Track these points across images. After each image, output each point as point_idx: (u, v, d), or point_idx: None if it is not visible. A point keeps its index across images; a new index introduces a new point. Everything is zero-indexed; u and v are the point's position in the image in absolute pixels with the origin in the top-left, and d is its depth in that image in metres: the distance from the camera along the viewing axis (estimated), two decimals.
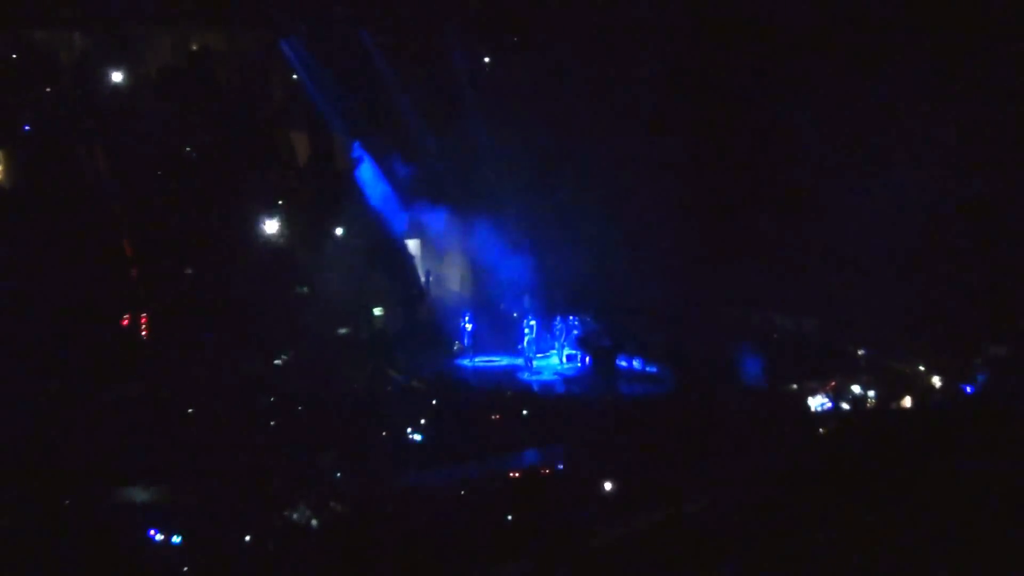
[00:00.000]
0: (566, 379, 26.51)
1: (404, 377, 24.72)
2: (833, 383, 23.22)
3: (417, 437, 19.98)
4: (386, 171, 31.30)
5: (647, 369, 26.11)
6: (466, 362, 28.01)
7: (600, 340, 27.60)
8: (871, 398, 22.81)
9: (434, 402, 21.76)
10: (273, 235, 27.82)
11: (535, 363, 27.66)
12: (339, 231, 29.02)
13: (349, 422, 19.92)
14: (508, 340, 28.63)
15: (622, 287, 28.90)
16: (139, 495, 16.03)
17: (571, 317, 28.49)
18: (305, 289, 27.75)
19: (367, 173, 31.07)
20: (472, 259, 32.91)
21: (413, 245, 33.31)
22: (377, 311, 30.27)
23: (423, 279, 33.05)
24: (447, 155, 31.61)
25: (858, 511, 13.10)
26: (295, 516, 16.05)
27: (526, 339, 27.83)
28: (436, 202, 31.55)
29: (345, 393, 22.23)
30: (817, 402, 22.69)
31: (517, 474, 17.98)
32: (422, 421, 20.37)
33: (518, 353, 27.99)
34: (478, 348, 28.38)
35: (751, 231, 27.33)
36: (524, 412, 21.24)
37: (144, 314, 24.49)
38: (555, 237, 30.23)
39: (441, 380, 24.59)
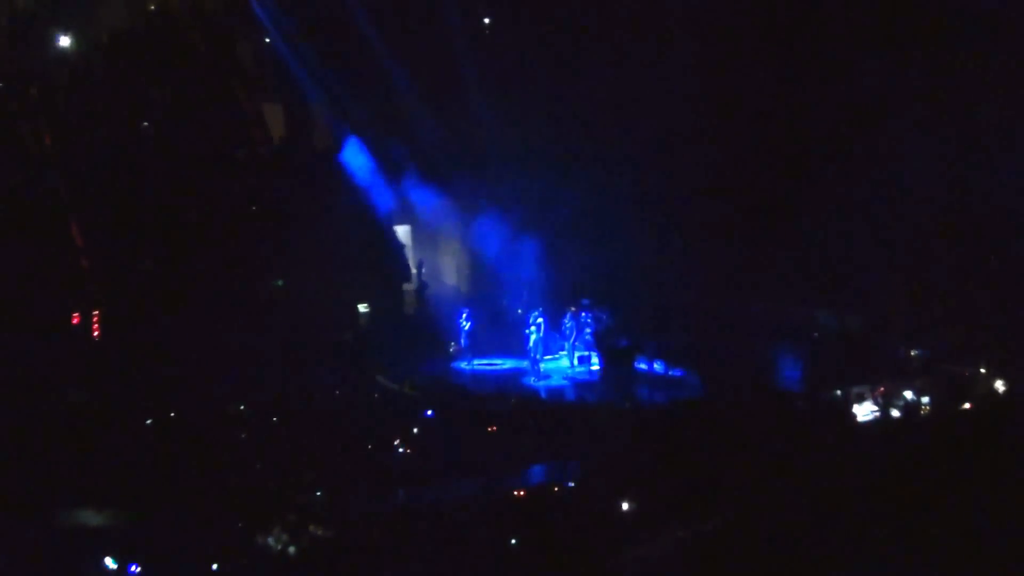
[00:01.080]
0: (578, 384, 26.61)
1: (393, 382, 24.80)
2: (882, 388, 23.02)
3: (408, 451, 19.84)
4: (372, 147, 31.46)
5: (670, 372, 26.22)
6: (464, 365, 28.21)
7: (616, 339, 27.66)
8: (925, 405, 22.68)
9: (427, 411, 21.66)
10: (243, 220, 27.95)
11: (542, 366, 27.75)
12: (318, 215, 29.04)
13: (330, 434, 19.79)
14: (511, 340, 28.78)
15: (642, 279, 28.99)
16: (90, 519, 15.89)
17: (583, 313, 28.57)
18: (280, 283, 27.89)
19: (351, 150, 31.23)
20: (470, 247, 33.31)
21: (403, 231, 33.56)
22: (362, 307, 30.59)
23: (414, 270, 33.28)
24: (442, 129, 31.69)
25: (911, 536, 12.95)
26: (269, 541, 15.95)
27: (532, 339, 27.89)
28: (430, 183, 31.75)
29: (325, 401, 22.31)
30: (864, 410, 22.52)
31: (522, 493, 17.88)
32: (413, 431, 20.27)
33: (523, 355, 28.09)
34: (477, 349, 28.54)
35: (789, 216, 27.25)
36: (530, 422, 21.14)
37: (96, 311, 24.53)
38: (565, 222, 30.43)
39: (435, 386, 24.69)
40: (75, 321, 24.33)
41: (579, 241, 30.01)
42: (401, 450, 19.79)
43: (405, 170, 31.79)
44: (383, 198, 31.80)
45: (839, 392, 23.18)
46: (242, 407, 21.23)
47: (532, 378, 26.89)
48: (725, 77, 27.72)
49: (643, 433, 20.23)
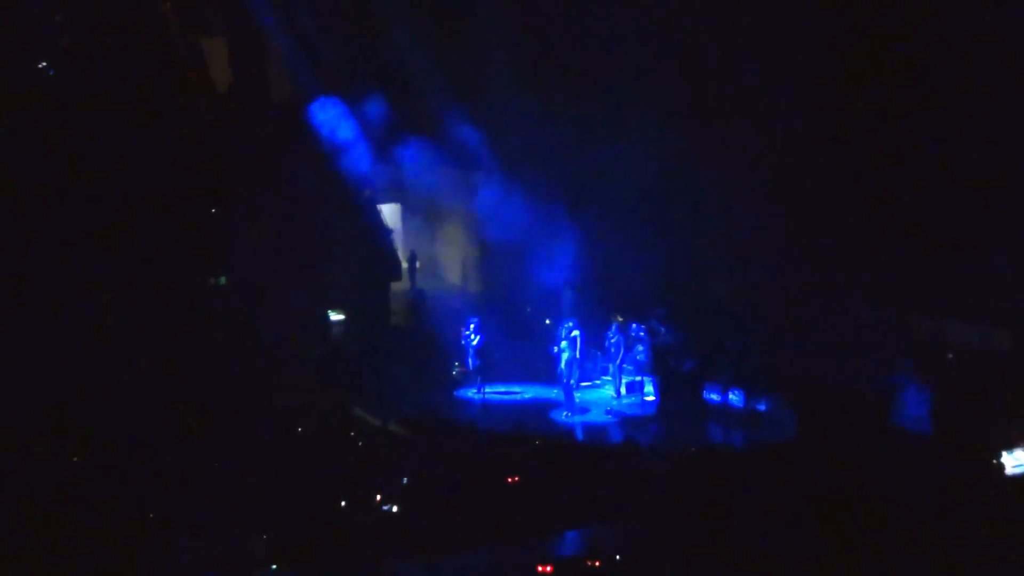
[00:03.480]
0: (626, 420, 26.50)
1: (375, 416, 24.78)
2: None
3: (394, 510, 19.74)
4: (351, 100, 31.69)
5: (751, 405, 26.05)
6: (471, 393, 28.21)
7: (679, 360, 27.62)
8: None
9: (421, 456, 21.56)
10: (176, 196, 27.89)
11: (578, 396, 27.65)
12: (276, 190, 29.31)
13: (289, 488, 19.67)
14: (535, 360, 28.78)
15: (715, 281, 29.50)
16: None
17: (634, 325, 28.49)
18: (221, 280, 28.16)
19: (322, 103, 31.43)
20: (482, 235, 33.60)
21: (391, 213, 33.80)
22: (335, 315, 30.83)
23: (405, 265, 33.40)
24: (446, 74, 31.81)
25: None
26: None
27: (563, 358, 27.57)
28: (427, 150, 31.98)
29: (282, 442, 22.23)
30: (1017, 459, 22.33)
31: (549, 568, 17.50)
32: (402, 483, 20.18)
33: (551, 381, 28.03)
34: (490, 372, 28.51)
35: (912, 205, 27.43)
36: (560, 471, 20.97)
37: None
38: (611, 204, 30.62)
39: (432, 422, 24.59)
40: None
41: (630, 230, 30.22)
42: (385, 509, 19.63)
43: (394, 132, 31.89)
44: (364, 168, 32.01)
45: (983, 433, 22.98)
46: (172, 449, 21.21)
47: (565, 412, 26.75)
48: (849, 52, 28.13)
49: (714, 488, 20.12)
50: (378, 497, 19.75)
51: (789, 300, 28.30)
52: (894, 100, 27.31)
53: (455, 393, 28.48)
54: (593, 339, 28.64)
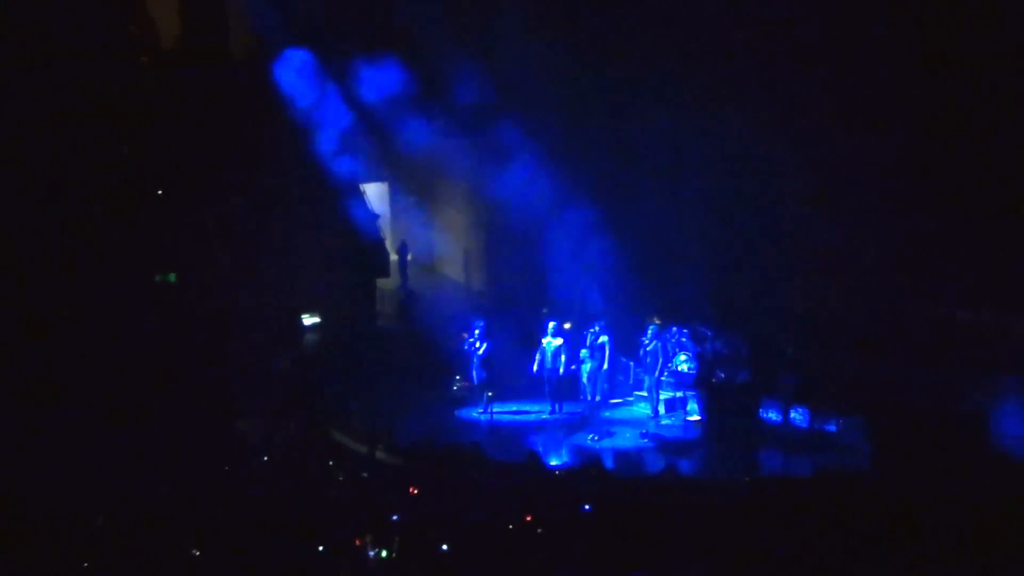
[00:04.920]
0: (665, 445, 26.45)
1: (358, 441, 24.92)
2: None
3: (382, 555, 19.70)
4: (328, 60, 31.92)
5: (819, 426, 26.14)
6: (476, 413, 28.34)
7: (731, 372, 27.63)
8: None
9: (414, 489, 21.51)
10: (112, 174, 28.14)
11: (606, 415, 27.81)
12: (234, 166, 29.46)
13: (253, 531, 19.60)
14: (553, 373, 28.68)
15: (774, 278, 29.26)
16: None
17: (675, 330, 28.58)
18: (171, 277, 28.24)
19: (293, 64, 31.67)
20: (487, 221, 34.19)
21: (377, 194, 33.99)
22: (309, 319, 31.09)
23: (394, 258, 33.49)
24: (442, 23, 31.73)
25: None
26: None
27: (586, 370, 27.76)
28: (420, 117, 32.00)
29: (246, 473, 22.33)
30: None
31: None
32: (391, 522, 20.08)
33: (573, 397, 28.15)
34: (498, 387, 28.61)
35: (1016, 187, 27.32)
36: (585, 508, 20.90)
37: None
38: (649, 184, 30.72)
39: (429, 448, 24.51)
40: None
41: (670, 212, 30.28)
42: (371, 555, 19.52)
43: (380, 94, 31.91)
44: (343, 140, 32.16)
45: None
46: (114, 476, 21.18)
47: (590, 436, 26.66)
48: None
49: (774, 528, 19.98)
50: (361, 540, 19.56)
51: (866, 301, 28.25)
52: (989, 86, 27.41)
53: (456, 413, 28.58)
54: (625, 347, 28.78)
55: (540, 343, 28.27)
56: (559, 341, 28.18)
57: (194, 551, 19.15)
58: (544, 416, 28.14)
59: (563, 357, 28.10)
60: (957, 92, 27.45)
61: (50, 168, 27.11)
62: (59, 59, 27.57)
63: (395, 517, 20.23)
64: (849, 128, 28.53)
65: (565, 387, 28.32)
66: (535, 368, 28.23)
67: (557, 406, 28.07)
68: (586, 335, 28.27)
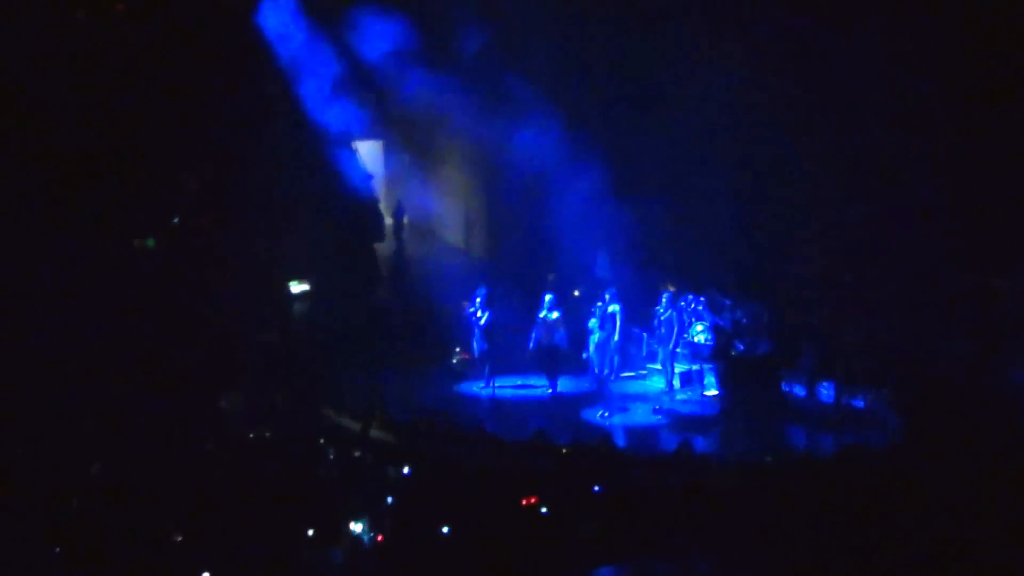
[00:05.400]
0: (681, 421, 26.54)
1: (351, 418, 24.93)
2: None
3: (378, 539, 19.61)
4: (320, 6, 31.90)
5: (846, 401, 26.18)
6: (478, 387, 28.44)
7: (751, 343, 27.49)
8: None
9: (407, 469, 21.57)
10: (81, 131, 28.03)
11: (617, 389, 27.84)
12: (214, 121, 29.34)
13: (239, 513, 19.57)
14: (561, 343, 28.62)
15: (796, 241, 29.46)
16: None
17: (691, 298, 28.58)
18: (150, 242, 28.42)
19: (279, 9, 31.55)
20: (490, 182, 34.32)
21: (370, 153, 34.29)
22: (297, 287, 31.22)
23: (390, 221, 33.67)
24: None
25: None
26: None
27: (595, 341, 27.68)
28: (418, 68, 31.94)
29: (230, 453, 22.32)
30: None
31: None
32: (387, 504, 20.25)
33: (581, 370, 28.10)
34: (501, 359, 28.65)
35: None
36: (594, 489, 20.90)
37: None
38: (664, 141, 30.67)
39: (427, 425, 24.63)
40: None
41: (687, 176, 30.44)
42: (366, 540, 19.63)
43: (375, 43, 31.86)
44: (334, 93, 32.05)
45: None
46: (82, 459, 21.19)
47: (600, 412, 26.73)
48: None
49: (796, 510, 20.02)
50: (355, 525, 19.70)
51: (897, 266, 28.13)
52: None
53: (456, 387, 28.65)
54: (637, 315, 28.69)
55: (537, 318, 28.12)
56: (556, 315, 28.04)
57: (176, 536, 19.28)
58: (549, 391, 28.19)
59: (562, 330, 27.98)
60: (1000, 52, 27.48)
61: (18, 122, 27.15)
62: (30, 5, 27.62)
63: (390, 499, 20.37)
64: (887, 86, 28.54)
65: (562, 363, 28.19)
66: (531, 345, 28.11)
67: (554, 384, 27.98)
68: (595, 306, 28.06)
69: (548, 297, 28.11)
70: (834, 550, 18.50)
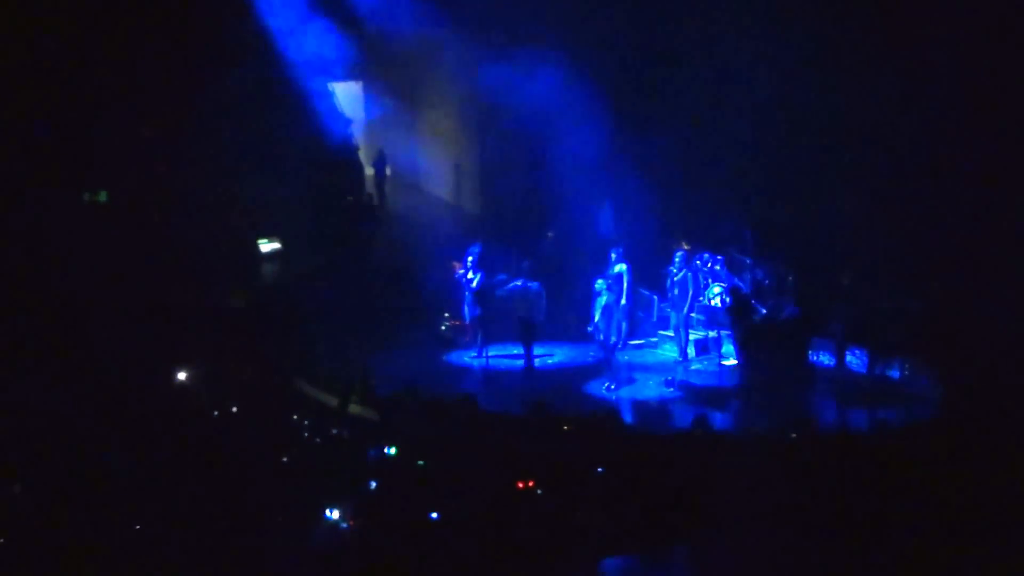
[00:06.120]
0: (696, 394, 26.58)
1: (326, 391, 25.07)
2: None
3: (355, 526, 19.65)
4: None
5: (880, 371, 26.24)
6: (469, 357, 28.54)
7: (774, 306, 27.61)
8: None
9: (391, 449, 21.62)
10: (26, 71, 28.18)
11: (624, 357, 27.93)
12: (177, 62, 29.25)
13: (203, 498, 19.74)
14: (561, 307, 29.06)
15: (823, 192, 29.42)
16: None
17: (707, 256, 28.63)
18: (103, 195, 28.39)
19: None
20: (484, 128, 34.42)
21: (348, 96, 34.44)
22: (267, 245, 31.35)
23: (370, 171, 34.24)
24: None
25: None
26: None
27: (599, 305, 27.55)
28: (404, 3, 32.09)
29: (193, 431, 22.20)
30: None
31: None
32: (369, 488, 20.40)
33: (584, 337, 28.10)
34: (495, 325, 28.59)
35: None
36: (598, 471, 20.91)
37: None
38: (676, 82, 30.99)
39: (412, 400, 24.52)
40: None
41: (702, 120, 30.54)
42: (344, 527, 19.75)
43: None
44: (307, 30, 32.11)
45: None
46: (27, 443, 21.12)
47: (605, 384, 26.73)
48: None
49: (826, 495, 20.09)
50: (333, 511, 19.76)
51: (937, 219, 28.13)
52: None
53: (445, 357, 28.66)
54: (647, 276, 28.72)
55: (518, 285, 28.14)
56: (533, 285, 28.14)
57: (134, 525, 19.27)
58: (549, 361, 28.23)
59: (542, 301, 28.01)
60: None
61: None
62: None
63: (372, 483, 20.47)
64: (930, 37, 28.57)
65: (539, 334, 28.18)
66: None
67: (530, 355, 27.93)
68: (606, 267, 28.07)
69: (525, 264, 28.57)
70: (867, 539, 18.67)
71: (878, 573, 18.09)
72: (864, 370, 26.34)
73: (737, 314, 27.25)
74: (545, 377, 27.45)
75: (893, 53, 29.00)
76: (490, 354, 28.07)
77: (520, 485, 20.36)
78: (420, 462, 21.32)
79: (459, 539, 18.98)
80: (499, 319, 28.60)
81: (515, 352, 28.29)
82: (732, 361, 27.48)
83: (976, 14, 27.81)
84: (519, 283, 27.92)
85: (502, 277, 28.77)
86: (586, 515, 19.78)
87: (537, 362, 27.90)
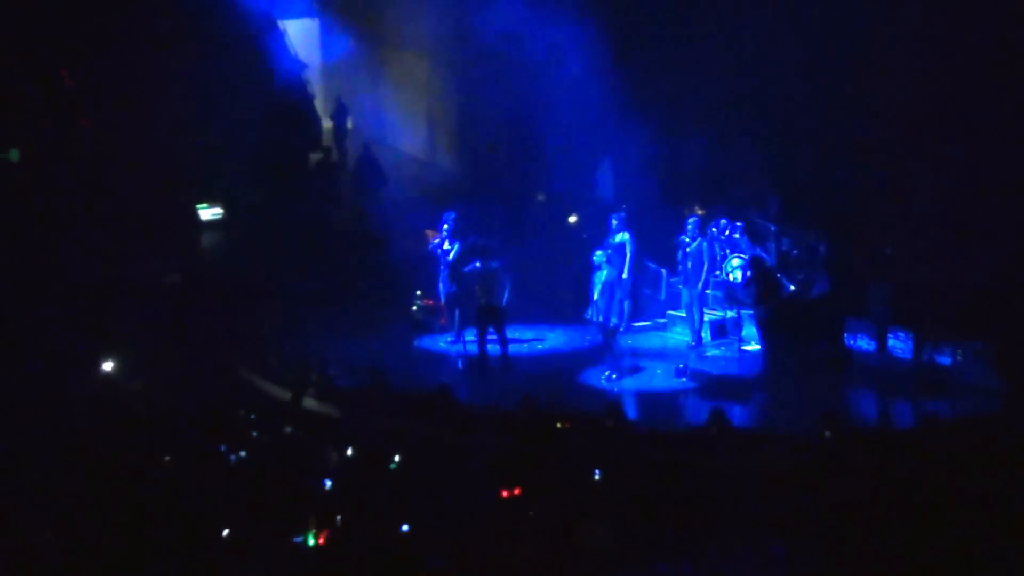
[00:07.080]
0: (710, 384, 26.53)
1: (278, 382, 25.10)
2: None
3: (311, 542, 19.53)
4: None
5: (928, 356, 26.18)
6: (444, 342, 28.69)
7: (804, 281, 27.80)
8: None
9: (358, 451, 21.63)
10: None
11: (627, 341, 28.00)
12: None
13: (132, 506, 19.57)
14: (553, 282, 29.35)
15: (858, 149, 29.48)
16: None
17: (724, 223, 28.78)
18: (14, 155, 28.26)
19: None
20: (461, 74, 34.84)
21: (302, 35, 34.88)
22: (208, 212, 31.55)
23: (328, 124, 34.73)
24: None
25: None
26: None
27: (600, 280, 27.37)
28: None
29: (119, 431, 22.16)
30: None
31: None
32: (326, 494, 20.39)
33: (581, 318, 27.99)
34: (476, 304, 28.31)
35: None
36: (595, 474, 20.89)
37: None
38: (686, 23, 31.26)
39: (377, 393, 24.68)
40: None
41: (719, 66, 30.47)
42: (297, 541, 19.49)
43: None
44: None
45: None
46: None
47: (606, 373, 26.74)
48: None
49: (865, 501, 19.97)
50: (288, 526, 19.54)
51: (993, 181, 28.26)
52: None
53: (415, 342, 28.75)
54: (655, 247, 28.78)
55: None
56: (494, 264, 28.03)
57: (47, 536, 19.25)
58: (539, 346, 28.38)
59: (507, 291, 27.90)
60: None
61: None
62: None
63: (329, 484, 20.50)
64: None
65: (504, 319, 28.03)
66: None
67: (504, 340, 27.80)
68: (608, 237, 28.16)
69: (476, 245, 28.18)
70: (913, 552, 18.51)
71: None
72: (909, 356, 26.28)
73: (760, 290, 27.30)
74: (535, 365, 27.52)
75: None
76: (469, 339, 27.96)
77: (505, 493, 20.37)
78: (390, 465, 21.30)
79: (434, 556, 18.94)
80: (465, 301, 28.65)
81: (494, 337, 28.32)
82: (754, 346, 27.60)
83: None
84: (477, 264, 27.69)
85: (473, 239, 28.55)
86: (582, 528, 19.75)
87: (512, 348, 27.85)
